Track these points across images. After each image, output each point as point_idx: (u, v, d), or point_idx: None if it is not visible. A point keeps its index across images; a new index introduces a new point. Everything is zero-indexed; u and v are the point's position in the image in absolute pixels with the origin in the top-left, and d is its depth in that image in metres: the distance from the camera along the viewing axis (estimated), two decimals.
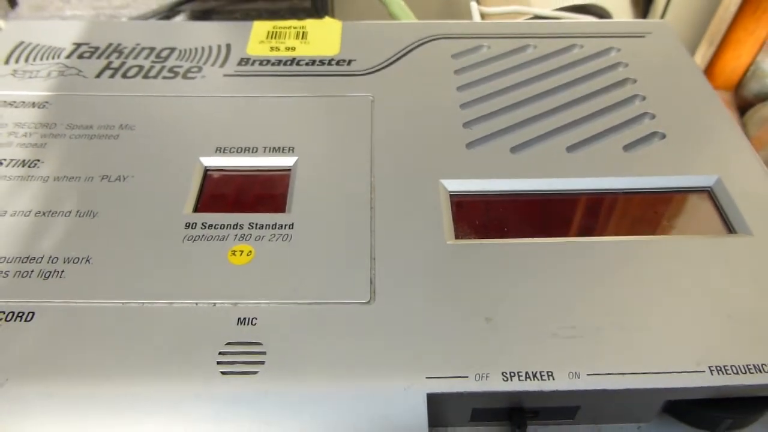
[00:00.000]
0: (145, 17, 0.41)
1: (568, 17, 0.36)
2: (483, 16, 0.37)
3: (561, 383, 0.17)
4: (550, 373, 0.17)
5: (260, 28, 0.31)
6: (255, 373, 0.17)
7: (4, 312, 0.19)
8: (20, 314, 0.19)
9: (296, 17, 0.41)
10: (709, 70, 0.84)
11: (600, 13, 0.42)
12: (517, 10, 0.35)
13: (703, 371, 0.18)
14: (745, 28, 0.80)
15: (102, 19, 0.41)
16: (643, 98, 0.27)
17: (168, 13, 0.42)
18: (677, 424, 0.19)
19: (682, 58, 0.29)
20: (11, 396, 0.17)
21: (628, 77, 0.28)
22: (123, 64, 0.28)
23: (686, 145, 0.25)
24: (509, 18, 0.36)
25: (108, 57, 0.28)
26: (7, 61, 0.28)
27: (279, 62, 0.29)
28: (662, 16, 0.92)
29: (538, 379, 0.17)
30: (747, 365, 0.18)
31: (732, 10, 0.79)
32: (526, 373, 0.17)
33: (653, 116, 0.26)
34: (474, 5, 0.34)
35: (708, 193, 0.23)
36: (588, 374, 0.17)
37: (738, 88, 0.84)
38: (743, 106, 0.82)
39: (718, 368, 0.18)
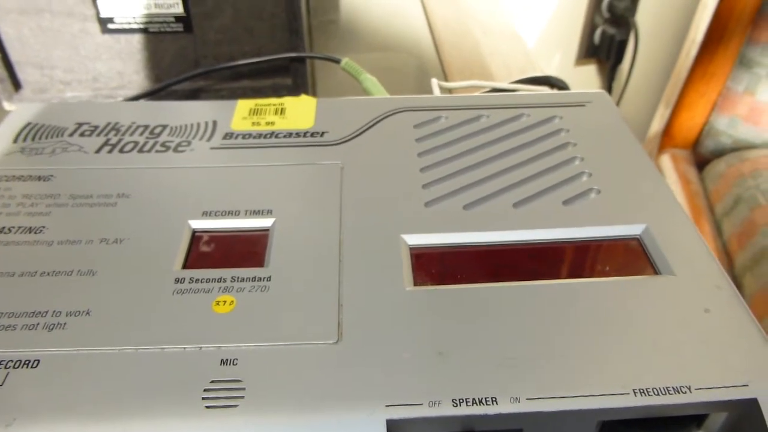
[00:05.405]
0: (139, 97, 0.45)
1: (522, 89, 0.40)
2: (448, 90, 0.41)
3: (503, 407, 0.20)
4: (494, 399, 0.20)
5: (243, 106, 0.34)
6: (235, 406, 0.20)
7: (12, 360, 0.21)
8: (27, 362, 0.21)
9: (278, 94, 0.45)
10: (668, 130, 0.89)
11: (556, 83, 0.46)
12: (475, 84, 0.39)
13: (628, 393, 0.20)
14: (696, 90, 0.87)
15: (100, 98, 0.45)
16: (582, 159, 0.30)
17: (160, 93, 0.46)
18: None
19: (616, 124, 0.33)
20: None
21: (568, 141, 0.31)
22: (120, 140, 0.31)
23: (618, 199, 0.28)
24: (469, 91, 0.41)
25: (107, 134, 0.32)
26: (15, 140, 0.31)
27: (260, 135, 0.32)
28: (625, 84, 0.98)
29: (483, 404, 0.20)
30: (667, 387, 0.20)
31: (683, 76, 0.86)
32: (473, 399, 0.20)
33: (590, 174, 0.29)
34: (434, 81, 0.38)
35: (638, 240, 0.26)
36: (527, 398, 0.20)
37: (695, 146, 0.89)
38: (701, 162, 0.87)
39: (642, 390, 0.20)
